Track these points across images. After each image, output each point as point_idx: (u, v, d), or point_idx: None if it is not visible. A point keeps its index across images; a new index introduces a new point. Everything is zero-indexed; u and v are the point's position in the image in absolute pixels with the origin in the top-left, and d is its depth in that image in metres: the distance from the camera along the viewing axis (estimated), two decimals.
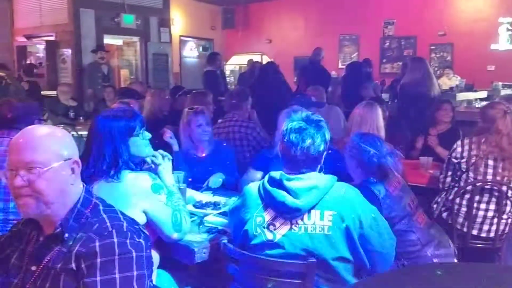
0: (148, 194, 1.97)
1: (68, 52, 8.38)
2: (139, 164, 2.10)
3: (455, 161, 3.04)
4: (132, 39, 9.63)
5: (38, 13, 8.82)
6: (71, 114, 6.34)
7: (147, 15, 9.22)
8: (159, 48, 9.56)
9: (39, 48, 9.06)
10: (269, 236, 1.86)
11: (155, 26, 9.45)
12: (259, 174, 2.85)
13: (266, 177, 1.94)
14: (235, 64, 12.65)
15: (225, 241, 1.99)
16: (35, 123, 2.41)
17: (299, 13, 11.89)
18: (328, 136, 1.92)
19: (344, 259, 1.85)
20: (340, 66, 10.92)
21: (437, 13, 9.77)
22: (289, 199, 1.82)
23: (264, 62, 10.90)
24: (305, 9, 11.69)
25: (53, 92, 8.14)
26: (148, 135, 2.10)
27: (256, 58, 11.39)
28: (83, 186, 1.50)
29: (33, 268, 1.43)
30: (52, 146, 1.40)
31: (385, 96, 6.96)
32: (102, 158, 1.94)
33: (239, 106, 4.08)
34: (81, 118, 6.35)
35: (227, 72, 11.29)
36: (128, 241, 1.37)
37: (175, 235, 2.01)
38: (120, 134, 1.98)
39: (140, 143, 2.06)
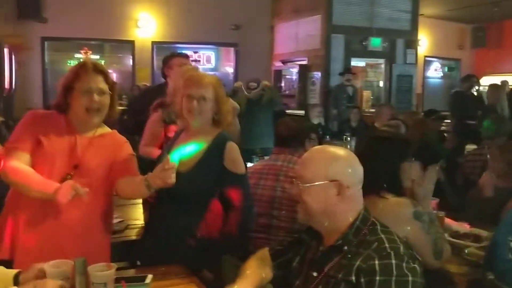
0: (409, 220, 2.01)
1: (318, 75, 9.01)
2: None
3: None
4: (377, 61, 9.82)
5: (295, 40, 9.73)
6: (319, 133, 6.79)
7: (393, 37, 9.28)
8: (403, 69, 9.52)
9: (292, 72, 9.98)
10: None
11: (401, 47, 9.44)
12: None
13: None
14: (485, 85, 11.69)
15: (491, 277, 1.91)
16: (306, 142, 2.73)
17: None
18: None
19: None
20: None
21: None
22: None
23: None
24: None
25: (301, 112, 8.88)
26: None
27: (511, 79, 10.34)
28: (363, 204, 1.63)
29: (314, 274, 1.60)
30: (319, 166, 1.56)
31: None
32: (375, 175, 2.04)
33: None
34: (327, 137, 6.75)
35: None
36: (404, 264, 1.44)
37: (435, 263, 2.01)
38: (394, 156, 2.07)
39: (408, 171, 2.10)
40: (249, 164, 4.45)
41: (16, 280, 1.67)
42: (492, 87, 6.81)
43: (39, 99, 9.02)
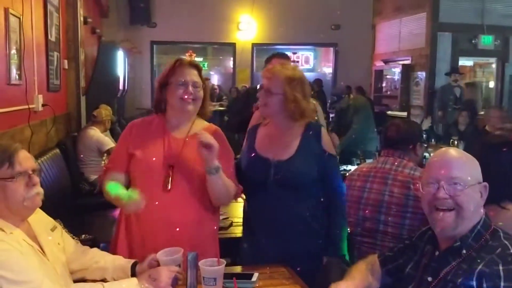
0: None
1: (422, 75, 8.64)
2: None
3: None
4: (487, 60, 9.21)
5: (397, 39, 9.43)
6: (424, 136, 6.49)
7: (507, 35, 8.66)
8: None
9: (394, 72, 9.66)
10: None
11: None
12: None
13: None
14: None
15: None
16: (417, 146, 2.60)
17: None
18: None
19: None
20: None
21: None
22: None
23: None
24: None
25: (403, 113, 8.57)
26: None
27: None
28: (483, 210, 1.57)
29: (429, 279, 1.54)
30: (471, 168, 1.55)
31: None
32: (497, 184, 1.88)
33: None
34: (432, 140, 6.44)
35: None
36: None
37: None
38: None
39: None
40: (349, 167, 4.39)
41: (133, 270, 1.78)
42: None
43: (147, 100, 9.59)
